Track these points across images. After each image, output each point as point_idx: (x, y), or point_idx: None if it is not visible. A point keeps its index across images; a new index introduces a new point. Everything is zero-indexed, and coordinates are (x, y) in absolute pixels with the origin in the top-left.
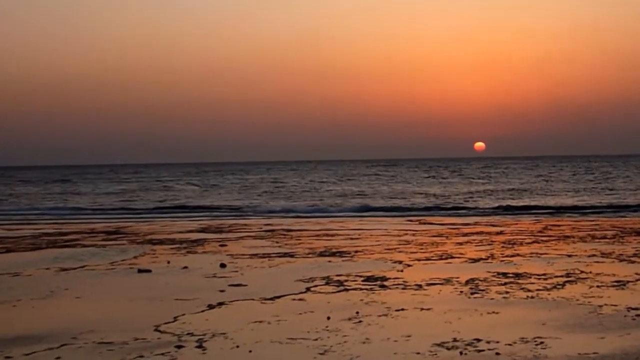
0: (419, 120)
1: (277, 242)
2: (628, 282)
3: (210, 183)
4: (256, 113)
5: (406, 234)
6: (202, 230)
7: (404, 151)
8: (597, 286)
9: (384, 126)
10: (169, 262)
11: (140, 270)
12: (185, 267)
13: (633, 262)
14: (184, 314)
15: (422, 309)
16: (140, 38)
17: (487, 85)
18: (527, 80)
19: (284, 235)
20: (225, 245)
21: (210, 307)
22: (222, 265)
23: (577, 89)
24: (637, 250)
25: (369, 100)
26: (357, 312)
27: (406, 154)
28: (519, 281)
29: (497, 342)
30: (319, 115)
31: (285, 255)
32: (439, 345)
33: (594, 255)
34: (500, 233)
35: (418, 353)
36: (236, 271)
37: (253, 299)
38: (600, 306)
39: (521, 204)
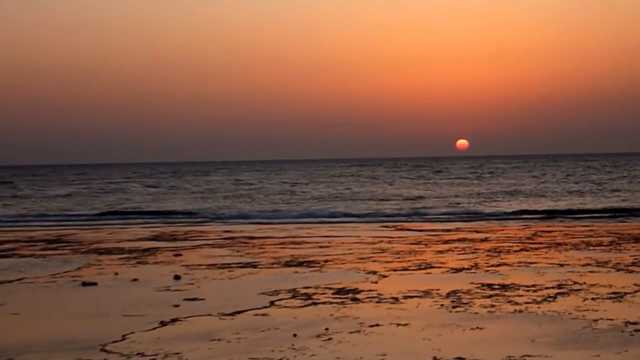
0: (395, 116)
1: (237, 251)
2: (626, 293)
3: (168, 185)
4: (215, 107)
5: (381, 242)
6: (155, 238)
7: (379, 150)
8: (592, 298)
9: (357, 122)
10: (116, 274)
11: (84, 283)
12: (135, 280)
13: (631, 271)
14: (133, 332)
15: (398, 325)
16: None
17: (470, 78)
18: (513, 73)
19: (246, 243)
20: (180, 255)
21: (163, 324)
22: (177, 277)
23: (569, 82)
24: (635, 259)
25: (339, 93)
26: (327, 329)
27: (381, 153)
28: (506, 293)
29: None
30: (286, 110)
31: (246, 265)
32: None
33: (588, 265)
34: (485, 240)
35: None
36: (192, 283)
37: (211, 315)
38: (596, 320)
39: (512, 208)
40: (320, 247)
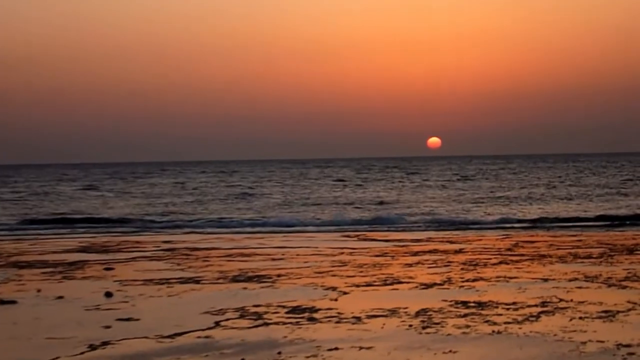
0: (357, 111)
1: (178, 264)
2: (618, 312)
3: (106, 188)
4: (155, 102)
5: (342, 253)
6: (84, 250)
7: (340, 149)
8: (580, 318)
9: (313, 118)
10: (39, 291)
11: (2, 302)
12: (61, 297)
13: (624, 287)
14: (58, 357)
15: (361, 348)
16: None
17: (440, 68)
18: (490, 61)
19: (188, 255)
20: (112, 269)
21: (92, 347)
22: (108, 294)
23: (551, 73)
24: (629, 273)
25: (292, 85)
26: (279, 353)
27: (343, 152)
28: (483, 312)
29: None
30: (225, 104)
31: (188, 280)
32: None
33: (576, 279)
34: (460, 251)
35: None
36: (126, 301)
37: (147, 337)
38: (584, 343)
39: (491, 216)
40: (273, 259)
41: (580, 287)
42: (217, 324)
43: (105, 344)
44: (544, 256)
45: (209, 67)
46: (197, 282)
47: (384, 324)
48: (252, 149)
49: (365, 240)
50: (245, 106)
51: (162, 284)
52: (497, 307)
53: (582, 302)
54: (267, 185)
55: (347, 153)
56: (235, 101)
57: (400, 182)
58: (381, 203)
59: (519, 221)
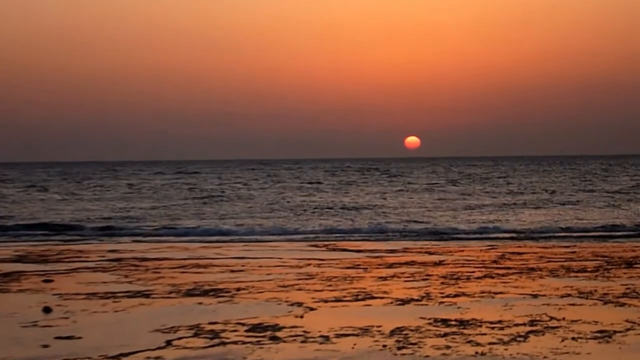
0: (324, 107)
1: (125, 276)
2: (615, 332)
3: (52, 190)
4: (104, 100)
5: (309, 265)
6: (19, 260)
7: (308, 149)
8: (573, 338)
9: (274, 115)
10: None
11: None
12: None
13: (622, 304)
14: None
15: None
16: None
17: (417, 59)
18: (474, 52)
19: (136, 266)
20: (51, 281)
21: None
22: (47, 310)
23: (541, 67)
24: (627, 288)
25: (257, 78)
26: None
27: (313, 153)
28: (465, 331)
29: None
30: (173, 98)
31: (137, 294)
32: None
33: (568, 295)
34: (440, 264)
35: None
36: (66, 317)
37: (90, 358)
38: None
39: (475, 224)
40: (232, 271)
41: (573, 304)
42: (168, 343)
43: None
44: (533, 269)
45: (135, 55)
46: (147, 296)
47: (355, 344)
48: (212, 148)
49: (335, 250)
50: (204, 101)
51: (107, 298)
52: (480, 326)
53: (576, 320)
54: (231, 188)
55: (316, 153)
56: (195, 95)
57: (379, 185)
58: (355, 209)
59: (507, 231)
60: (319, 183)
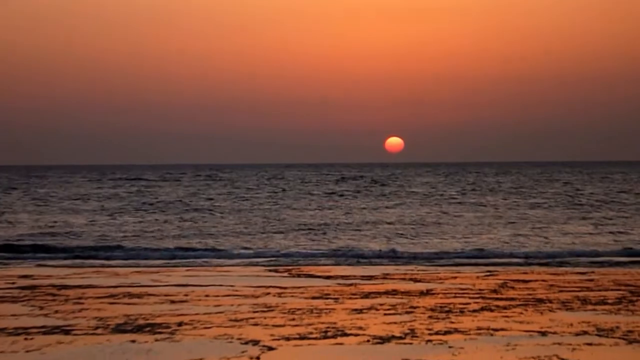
0: (291, 100)
1: (40, 308)
2: None
3: None
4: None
5: (267, 294)
6: None
7: (266, 151)
8: None
9: (220, 107)
10: None
11: None
12: None
13: None
14: None
15: None
16: None
17: (404, 42)
18: (462, 36)
19: (54, 295)
20: None
21: None
22: None
23: (536, 58)
24: None
25: (209, 68)
26: None
27: (272, 157)
28: None
29: None
30: (115, 90)
31: (55, 330)
32: None
33: (585, 333)
34: (428, 293)
35: None
36: None
37: None
38: None
39: (471, 244)
40: (172, 302)
41: (590, 344)
42: None
43: None
44: (541, 301)
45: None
46: (67, 332)
47: None
48: (152, 149)
49: (299, 276)
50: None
51: (19, 334)
52: None
53: None
54: (180, 196)
55: (271, 157)
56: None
57: (353, 197)
58: (323, 225)
59: (508, 255)
60: (284, 190)
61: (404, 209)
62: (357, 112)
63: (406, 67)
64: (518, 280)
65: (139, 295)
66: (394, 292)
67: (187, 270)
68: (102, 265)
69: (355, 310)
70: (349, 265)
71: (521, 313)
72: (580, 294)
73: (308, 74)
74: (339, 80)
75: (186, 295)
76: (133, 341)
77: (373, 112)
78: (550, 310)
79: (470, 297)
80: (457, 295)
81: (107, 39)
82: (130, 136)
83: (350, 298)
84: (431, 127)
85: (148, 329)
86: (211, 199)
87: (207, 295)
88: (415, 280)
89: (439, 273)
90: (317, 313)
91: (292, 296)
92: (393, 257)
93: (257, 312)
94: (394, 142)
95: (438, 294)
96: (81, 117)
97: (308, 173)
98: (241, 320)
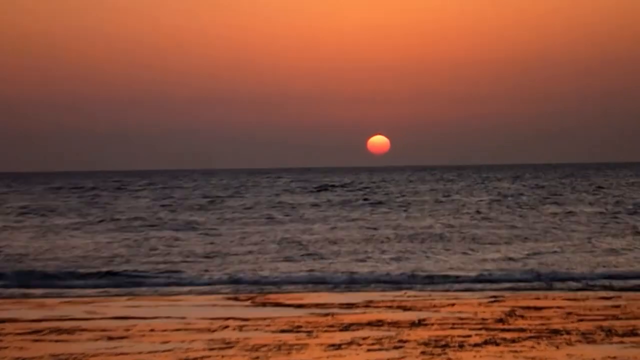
0: (248, 93)
1: None
2: None
3: None
4: None
5: (226, 327)
6: None
7: (227, 153)
8: None
9: (173, 97)
10: None
11: None
12: None
13: None
14: None
15: None
16: None
17: (388, 24)
18: (452, 22)
19: None
20: None
21: None
22: None
23: (532, 46)
24: None
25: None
26: None
27: (232, 161)
28: None
29: None
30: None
31: None
32: None
33: None
34: (420, 324)
35: None
36: None
37: None
38: None
39: (471, 265)
40: (110, 338)
41: None
42: None
43: None
44: (557, 332)
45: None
46: None
47: None
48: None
49: (264, 305)
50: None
51: None
52: None
53: None
54: (130, 206)
55: (231, 162)
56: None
57: (330, 208)
58: (295, 242)
59: (516, 280)
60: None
61: (399, 220)
62: (332, 106)
63: (393, 54)
64: (529, 307)
65: (69, 331)
66: (379, 323)
67: (129, 299)
68: (24, 295)
69: (333, 346)
70: (325, 291)
71: (533, 347)
72: (605, 323)
73: (268, 63)
74: (307, 69)
75: (127, 330)
76: None
77: (352, 105)
78: (567, 344)
79: (471, 329)
80: (456, 326)
81: None
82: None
83: (327, 331)
84: (423, 125)
85: None
86: (169, 211)
87: (152, 330)
88: (405, 309)
89: (433, 299)
90: (286, 350)
91: (256, 329)
92: (379, 280)
93: (213, 349)
94: (379, 142)
95: (432, 324)
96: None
97: (278, 179)
98: None
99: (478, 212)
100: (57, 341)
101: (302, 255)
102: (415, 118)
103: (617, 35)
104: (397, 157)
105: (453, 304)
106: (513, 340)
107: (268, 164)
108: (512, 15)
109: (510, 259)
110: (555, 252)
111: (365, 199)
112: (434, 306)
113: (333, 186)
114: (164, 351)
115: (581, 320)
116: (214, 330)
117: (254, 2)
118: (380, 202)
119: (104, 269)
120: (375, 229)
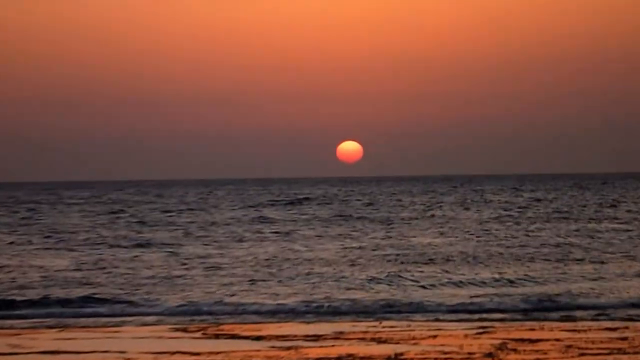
0: (195, 93)
1: None
2: None
3: None
4: None
5: None
6: None
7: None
8: None
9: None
10: None
11: None
12: None
13: None
14: None
15: None
16: None
17: (362, 15)
18: (433, 17)
19: None
20: None
21: None
22: None
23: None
24: None
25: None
26: None
27: (189, 172)
28: None
29: None
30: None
31: None
32: None
33: None
34: (397, 359)
35: None
36: None
37: None
38: None
39: (456, 292)
40: None
41: None
42: None
43: None
44: None
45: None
46: None
47: None
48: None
49: (217, 337)
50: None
51: None
52: None
53: None
54: (70, 221)
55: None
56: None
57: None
58: (256, 264)
59: (508, 309)
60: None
61: (376, 239)
62: (295, 107)
63: (364, 47)
64: (522, 340)
65: None
66: (349, 358)
67: (60, 331)
68: None
69: None
70: (288, 320)
71: None
72: (610, 357)
73: (220, 58)
74: (266, 66)
75: None
76: None
77: (319, 107)
78: None
79: None
80: None
81: None
82: None
83: None
84: (401, 129)
85: None
86: (111, 228)
87: None
88: (380, 341)
89: (412, 330)
90: None
91: None
92: (350, 309)
93: None
94: (350, 148)
95: (411, 359)
96: None
97: (238, 191)
98: None
99: (467, 229)
100: None
101: (264, 280)
102: (392, 122)
103: (608, 33)
104: (371, 166)
105: (435, 336)
106: None
107: (223, 174)
108: (494, 14)
109: (501, 283)
110: (554, 275)
111: (340, 215)
112: (413, 338)
113: (307, 199)
114: None
115: (583, 354)
116: None
117: None
118: (360, 217)
119: (34, 297)
120: (350, 248)
